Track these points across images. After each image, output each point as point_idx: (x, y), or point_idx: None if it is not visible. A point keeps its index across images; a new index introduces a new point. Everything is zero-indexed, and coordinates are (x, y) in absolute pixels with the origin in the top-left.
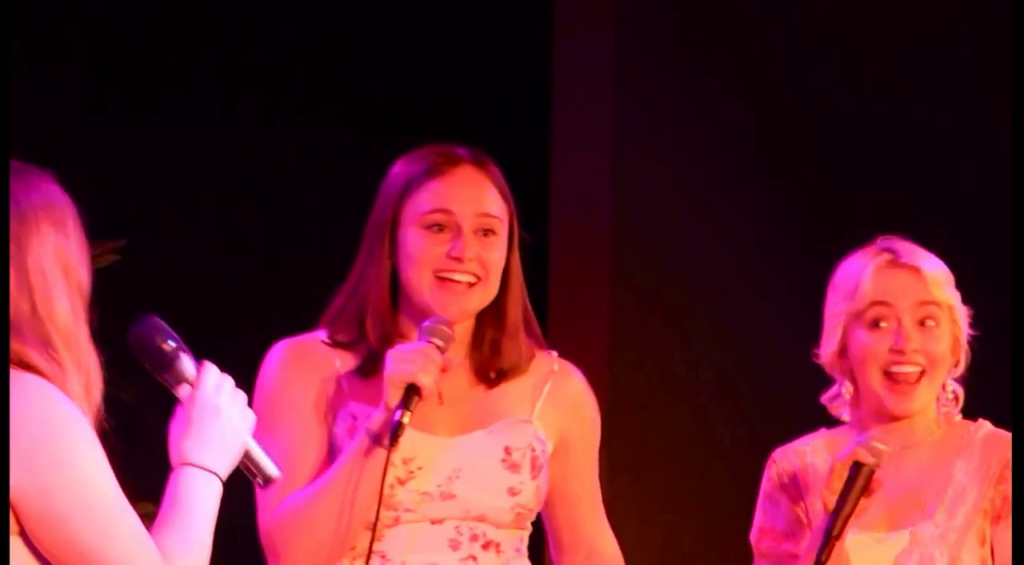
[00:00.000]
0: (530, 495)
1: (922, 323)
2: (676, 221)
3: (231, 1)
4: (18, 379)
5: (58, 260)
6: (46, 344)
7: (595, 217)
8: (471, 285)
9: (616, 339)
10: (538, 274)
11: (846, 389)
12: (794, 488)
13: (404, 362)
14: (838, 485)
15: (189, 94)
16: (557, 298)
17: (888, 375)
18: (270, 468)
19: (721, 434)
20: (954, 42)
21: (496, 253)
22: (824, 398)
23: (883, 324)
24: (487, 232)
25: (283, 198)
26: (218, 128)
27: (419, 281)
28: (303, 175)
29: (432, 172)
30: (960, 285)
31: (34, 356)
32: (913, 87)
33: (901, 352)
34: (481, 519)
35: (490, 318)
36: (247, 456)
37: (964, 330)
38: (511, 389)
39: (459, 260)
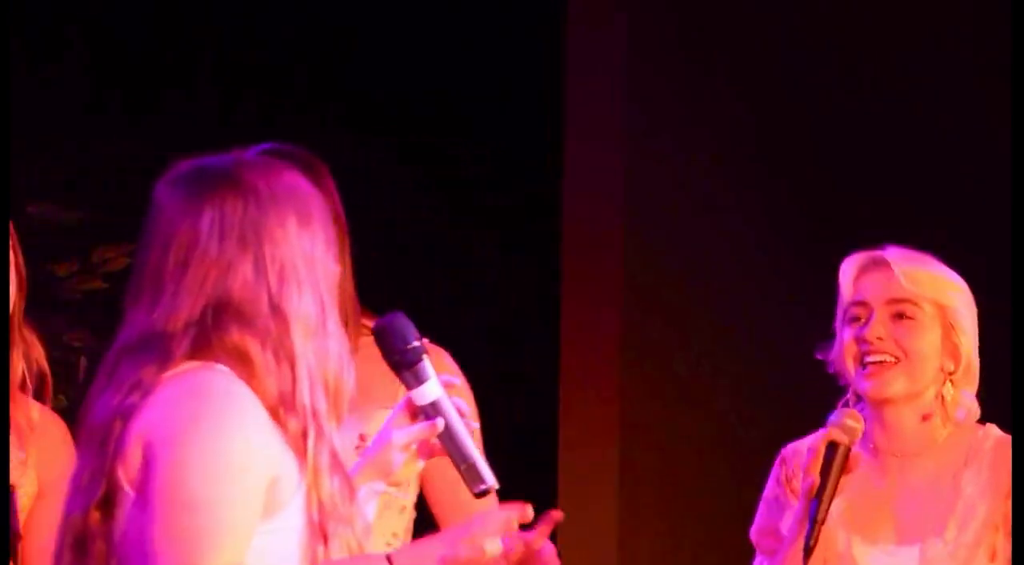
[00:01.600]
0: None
1: (899, 317)
2: (686, 220)
3: (231, 1)
4: (203, 369)
5: (301, 252)
6: (269, 337)
7: (606, 217)
8: None
9: (628, 336)
10: (550, 275)
11: (852, 396)
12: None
13: None
14: (815, 470)
15: (189, 94)
16: (568, 298)
17: (862, 364)
18: (489, 477)
19: (731, 434)
20: (954, 42)
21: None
22: (839, 405)
23: (859, 320)
24: None
25: None
26: (218, 128)
27: None
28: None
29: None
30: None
31: (252, 348)
32: (914, 87)
33: (867, 341)
34: None
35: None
36: (467, 461)
37: (966, 334)
38: (365, 372)
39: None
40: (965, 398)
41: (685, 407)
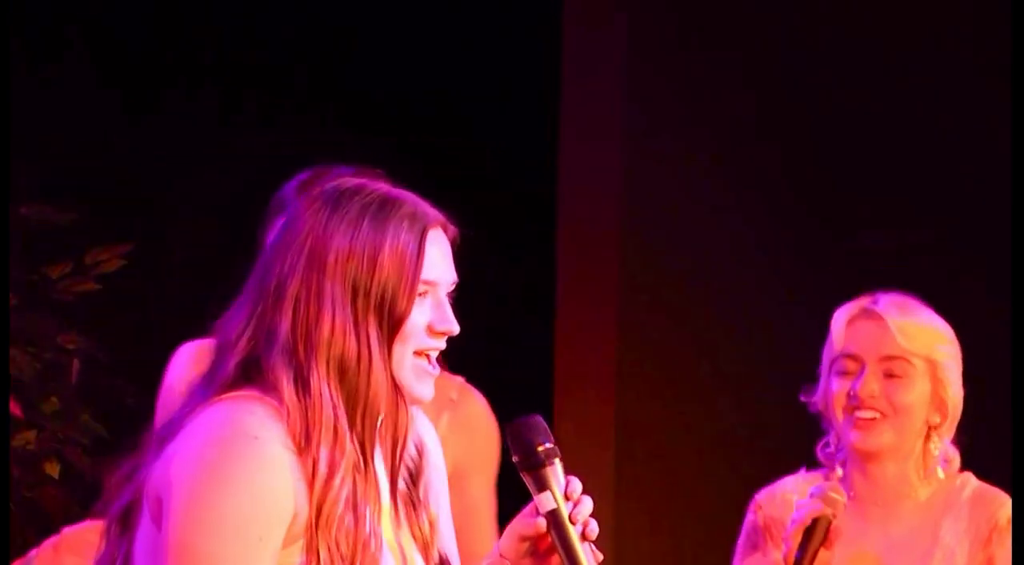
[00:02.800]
0: None
1: (889, 375)
2: (684, 221)
3: (231, 1)
4: (233, 404)
5: (345, 282)
6: (299, 371)
7: (603, 217)
8: None
9: (624, 335)
10: (547, 271)
11: (833, 439)
12: (779, 535)
13: None
14: (796, 540)
15: (187, 94)
16: (565, 298)
17: (850, 418)
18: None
19: (728, 434)
20: (955, 42)
21: None
22: (819, 447)
23: (849, 373)
24: None
25: None
26: (218, 128)
27: None
28: None
29: None
30: (959, 284)
31: (282, 381)
32: (915, 87)
33: (857, 398)
34: None
35: None
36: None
37: (952, 387)
38: None
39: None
40: (944, 448)
41: (682, 407)
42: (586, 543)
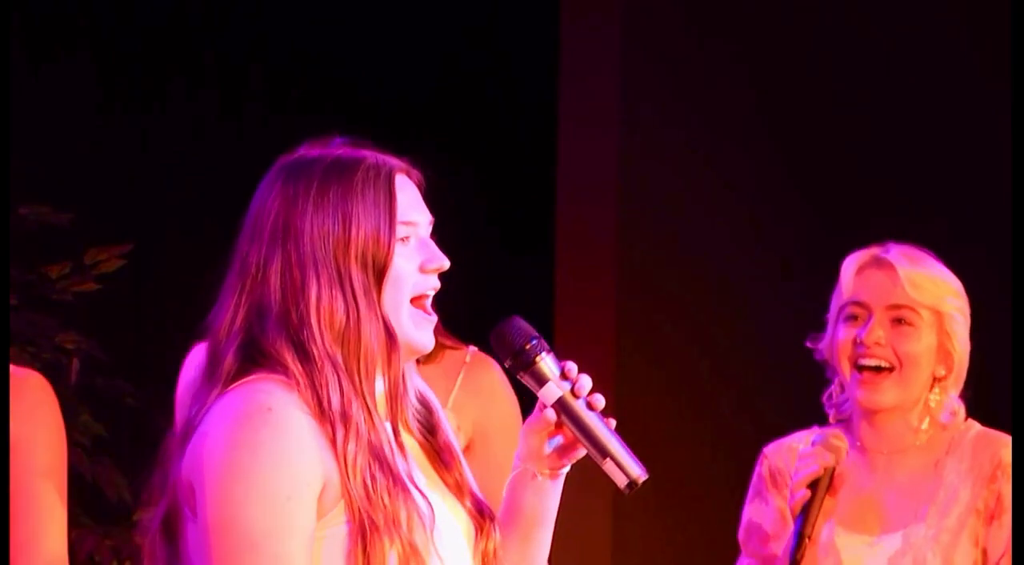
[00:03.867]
0: None
1: (897, 322)
2: (682, 212)
3: (230, 2)
4: (247, 387)
5: (324, 244)
6: (298, 340)
7: (601, 208)
8: None
9: (623, 330)
10: (544, 266)
11: (836, 387)
12: (786, 485)
13: None
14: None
15: (187, 95)
16: (563, 290)
17: (858, 368)
18: (634, 469)
19: (728, 426)
20: (956, 42)
21: None
22: (824, 397)
23: (857, 320)
24: None
25: None
26: (218, 129)
27: None
28: None
29: None
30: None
31: (285, 354)
32: (919, 83)
33: (863, 344)
34: None
35: None
36: (607, 455)
37: (959, 341)
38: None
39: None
40: (951, 400)
41: (681, 404)
42: (598, 415)
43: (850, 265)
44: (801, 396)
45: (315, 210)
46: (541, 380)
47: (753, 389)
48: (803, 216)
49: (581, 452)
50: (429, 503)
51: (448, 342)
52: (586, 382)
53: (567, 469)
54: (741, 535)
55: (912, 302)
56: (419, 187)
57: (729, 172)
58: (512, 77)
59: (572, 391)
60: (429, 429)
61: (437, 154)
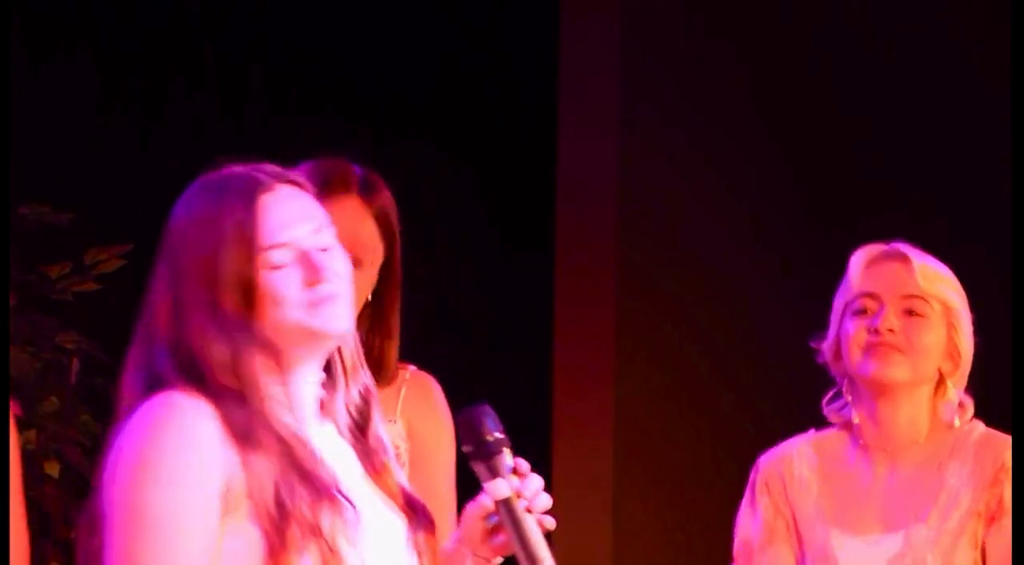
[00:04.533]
0: None
1: (908, 313)
2: (682, 212)
3: (231, 2)
4: (164, 393)
5: (203, 274)
6: (192, 360)
7: (601, 208)
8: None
9: (622, 330)
10: (544, 265)
11: (844, 389)
12: (779, 496)
13: None
14: None
15: (187, 95)
16: (563, 289)
17: (867, 353)
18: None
19: (728, 426)
20: (956, 42)
21: (362, 282)
22: (824, 401)
23: (868, 312)
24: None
25: None
26: (218, 129)
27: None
28: None
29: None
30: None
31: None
32: (919, 83)
33: (877, 332)
34: None
35: (376, 327)
36: (535, 562)
37: (964, 337)
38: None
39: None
40: (956, 397)
41: (681, 403)
42: (536, 524)
43: (859, 259)
44: (801, 396)
45: (189, 244)
46: (495, 474)
47: (753, 389)
48: (803, 216)
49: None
50: (355, 508)
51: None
52: (535, 483)
53: (499, 561)
54: (735, 548)
55: (925, 293)
56: (307, 191)
57: (729, 172)
58: (512, 77)
59: (520, 494)
60: (361, 427)
61: (437, 154)
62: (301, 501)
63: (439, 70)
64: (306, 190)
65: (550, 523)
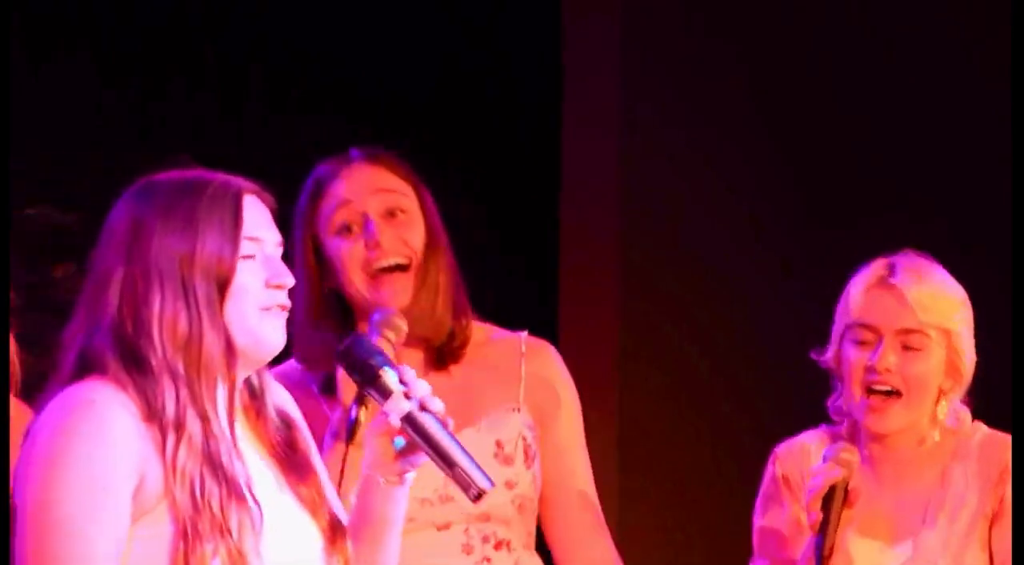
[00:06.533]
0: (527, 484)
1: (905, 347)
2: (683, 212)
3: (232, 3)
4: (80, 384)
5: (168, 256)
6: (132, 348)
7: (603, 209)
8: (405, 268)
9: (625, 330)
10: (547, 266)
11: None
12: (798, 486)
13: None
14: (816, 509)
15: (189, 95)
16: (566, 290)
17: (867, 392)
18: (481, 480)
19: (729, 426)
20: (956, 42)
21: (411, 232)
22: (829, 402)
23: (866, 344)
24: (392, 212)
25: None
26: (218, 129)
27: (355, 286)
28: (303, 175)
29: (324, 180)
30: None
31: (112, 361)
32: (919, 83)
33: (874, 371)
34: (486, 518)
35: (427, 299)
36: (454, 466)
37: (966, 355)
38: (482, 376)
39: (377, 246)
40: (954, 406)
41: (682, 404)
42: (442, 426)
43: (858, 284)
44: (801, 396)
45: (162, 226)
46: (386, 394)
47: (753, 389)
48: (803, 216)
49: (423, 458)
50: (260, 510)
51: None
52: (423, 388)
53: (412, 475)
54: (756, 539)
55: (921, 325)
56: (272, 212)
57: (730, 172)
58: (513, 77)
59: (419, 406)
60: (288, 444)
61: (438, 154)
62: (212, 496)
63: (439, 70)
64: (271, 208)
65: (451, 423)
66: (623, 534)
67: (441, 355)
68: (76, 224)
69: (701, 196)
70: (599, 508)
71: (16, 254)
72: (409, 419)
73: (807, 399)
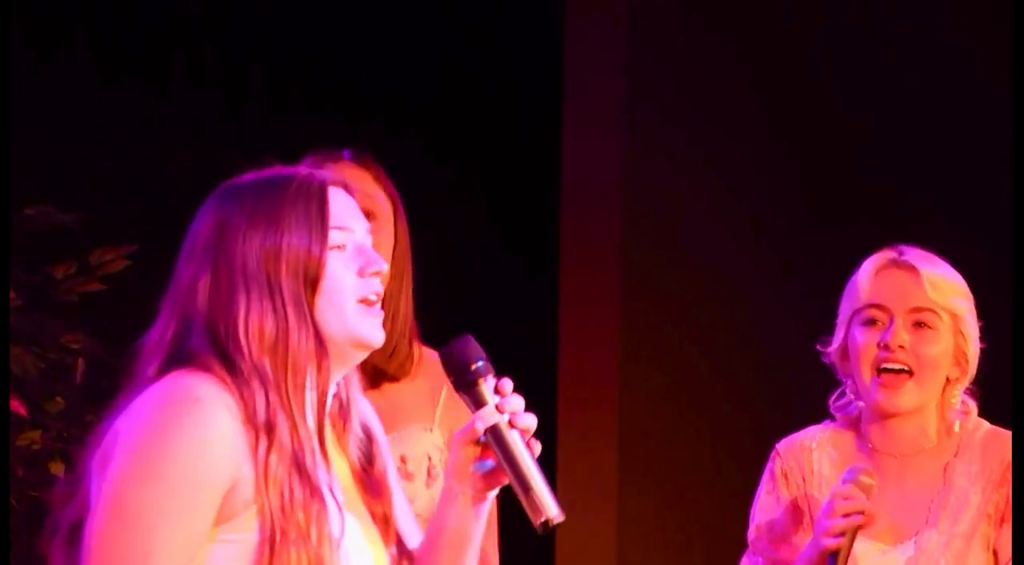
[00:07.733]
0: (424, 504)
1: (917, 325)
2: (685, 212)
3: (231, 1)
4: (182, 373)
5: (256, 260)
6: (225, 352)
7: (604, 209)
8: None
9: (626, 331)
10: (548, 266)
11: (850, 389)
12: (798, 488)
13: None
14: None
15: (190, 95)
16: (567, 290)
17: (878, 371)
18: (551, 510)
19: (729, 426)
20: (956, 42)
21: (379, 246)
22: (831, 399)
23: (877, 323)
24: (368, 214)
25: None
26: (218, 129)
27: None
28: None
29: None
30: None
31: (213, 362)
32: (919, 83)
33: (888, 348)
34: None
35: (388, 330)
36: (529, 490)
37: (972, 342)
38: (405, 392)
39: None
40: (960, 399)
41: (682, 404)
42: (527, 447)
43: (868, 267)
44: (801, 396)
45: (248, 226)
46: (479, 402)
47: (753, 389)
48: (804, 216)
49: (505, 481)
50: (342, 515)
51: (423, 352)
52: (518, 403)
53: (494, 493)
54: (751, 533)
55: (933, 304)
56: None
57: (731, 172)
58: (514, 77)
59: (509, 421)
60: (367, 457)
61: (438, 154)
62: (298, 503)
63: (439, 70)
64: (355, 198)
65: (538, 447)
66: (623, 534)
67: (382, 373)
68: (76, 224)
69: (701, 196)
70: None
71: (16, 254)
72: (495, 432)
73: (807, 399)
